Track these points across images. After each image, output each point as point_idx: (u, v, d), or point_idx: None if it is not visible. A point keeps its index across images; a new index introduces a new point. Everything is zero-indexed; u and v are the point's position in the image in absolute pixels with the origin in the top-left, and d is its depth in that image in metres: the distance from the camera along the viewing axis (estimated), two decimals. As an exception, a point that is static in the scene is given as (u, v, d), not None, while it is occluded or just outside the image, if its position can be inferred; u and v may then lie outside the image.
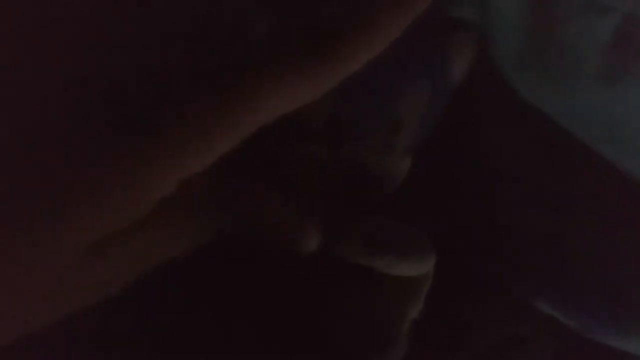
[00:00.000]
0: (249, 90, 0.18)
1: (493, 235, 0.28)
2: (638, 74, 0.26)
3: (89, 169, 0.18)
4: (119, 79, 0.18)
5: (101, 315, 0.19)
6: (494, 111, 0.28)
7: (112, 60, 0.19)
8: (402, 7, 0.19)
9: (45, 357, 0.20)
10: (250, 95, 0.18)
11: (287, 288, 0.21)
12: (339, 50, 0.18)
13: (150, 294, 0.20)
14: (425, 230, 0.24)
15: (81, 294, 0.19)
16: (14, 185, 0.18)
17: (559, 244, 0.27)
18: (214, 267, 0.21)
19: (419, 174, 0.25)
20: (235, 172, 0.22)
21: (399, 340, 0.22)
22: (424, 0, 0.19)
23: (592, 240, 0.27)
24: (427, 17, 0.25)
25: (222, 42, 0.18)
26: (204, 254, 0.20)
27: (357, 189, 0.23)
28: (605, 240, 0.27)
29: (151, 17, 0.19)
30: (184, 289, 0.22)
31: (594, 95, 0.27)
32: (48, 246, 0.18)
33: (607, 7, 0.26)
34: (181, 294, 0.22)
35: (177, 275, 0.20)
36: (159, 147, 0.18)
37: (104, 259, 0.19)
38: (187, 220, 0.20)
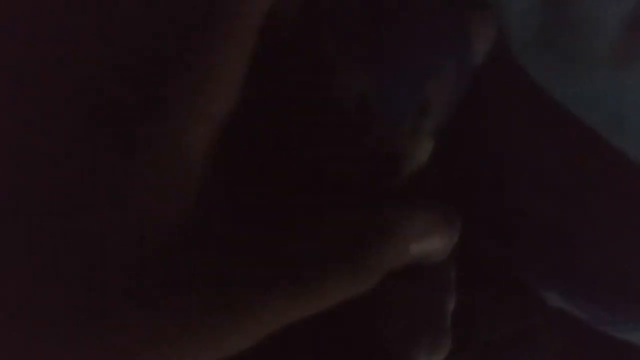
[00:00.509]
0: None
1: (503, 224, 0.27)
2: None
3: None
4: None
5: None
6: (503, 96, 0.27)
7: None
8: None
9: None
10: None
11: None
12: None
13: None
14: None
15: None
16: None
17: (569, 233, 0.27)
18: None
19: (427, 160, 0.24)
20: (263, 158, 0.20)
21: (445, 333, 0.20)
22: None
23: (602, 230, 0.27)
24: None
25: None
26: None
27: (383, 172, 0.22)
28: (615, 229, 0.27)
29: None
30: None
31: (604, 79, 0.26)
32: None
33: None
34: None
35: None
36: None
37: None
38: None
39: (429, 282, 0.21)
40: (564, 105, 0.26)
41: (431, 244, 0.20)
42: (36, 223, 0.16)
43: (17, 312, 0.16)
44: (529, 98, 0.27)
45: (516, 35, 0.26)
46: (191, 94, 0.18)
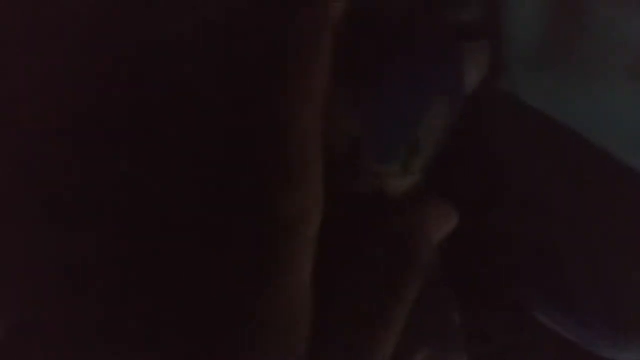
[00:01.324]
0: None
1: (492, 244, 0.28)
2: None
3: None
4: None
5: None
6: (490, 117, 0.27)
7: None
8: None
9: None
10: None
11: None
12: None
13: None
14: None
15: None
16: None
17: (557, 258, 0.27)
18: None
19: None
20: None
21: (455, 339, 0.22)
22: None
23: (591, 254, 0.27)
24: (437, 26, 0.24)
25: None
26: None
27: (374, 212, 0.23)
28: (605, 252, 0.27)
29: None
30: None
31: (623, 95, 0.25)
32: None
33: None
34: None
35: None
36: None
37: None
38: None
39: (434, 293, 0.22)
40: (558, 123, 0.26)
41: (446, 230, 0.22)
42: None
43: None
44: (518, 117, 0.27)
45: (520, 53, 0.25)
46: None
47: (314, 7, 0.17)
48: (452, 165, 0.27)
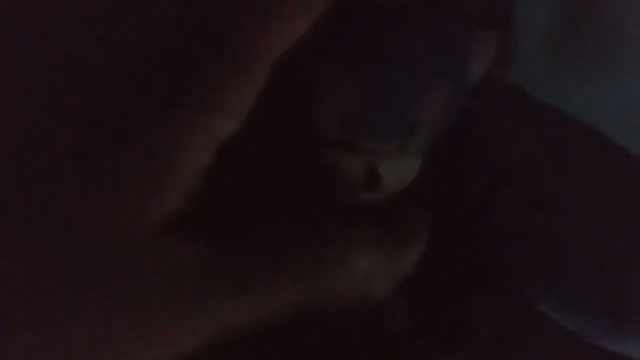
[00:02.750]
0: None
1: (493, 235, 0.28)
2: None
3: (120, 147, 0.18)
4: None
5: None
6: (494, 107, 0.27)
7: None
8: None
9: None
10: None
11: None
12: None
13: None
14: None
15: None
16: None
17: (561, 250, 0.27)
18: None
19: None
20: (248, 183, 0.21)
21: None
22: None
23: (595, 247, 0.27)
24: (446, 12, 0.24)
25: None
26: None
27: (364, 190, 0.23)
28: (609, 245, 0.27)
29: None
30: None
31: (632, 86, 0.25)
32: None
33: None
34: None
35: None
36: (183, 113, 0.18)
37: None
38: None
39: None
40: (563, 115, 0.26)
41: (374, 259, 0.22)
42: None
43: None
44: (520, 107, 0.26)
45: (528, 39, 0.25)
46: (197, 120, 0.18)
47: None
48: (454, 158, 0.28)
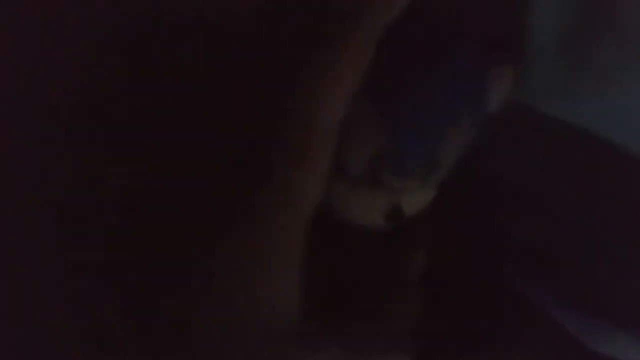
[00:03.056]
0: None
1: (496, 242, 0.29)
2: None
3: None
4: None
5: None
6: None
7: None
8: None
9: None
10: None
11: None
12: None
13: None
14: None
15: None
16: None
17: (559, 247, 0.28)
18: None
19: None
20: None
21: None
22: None
23: (597, 246, 0.28)
24: (469, 46, 0.25)
25: None
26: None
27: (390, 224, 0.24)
28: (612, 246, 0.28)
29: None
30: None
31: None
32: None
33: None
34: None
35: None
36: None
37: None
38: None
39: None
40: (568, 125, 0.26)
41: None
42: None
43: None
44: (522, 115, 0.27)
45: (535, 54, 0.25)
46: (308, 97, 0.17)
47: None
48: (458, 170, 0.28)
